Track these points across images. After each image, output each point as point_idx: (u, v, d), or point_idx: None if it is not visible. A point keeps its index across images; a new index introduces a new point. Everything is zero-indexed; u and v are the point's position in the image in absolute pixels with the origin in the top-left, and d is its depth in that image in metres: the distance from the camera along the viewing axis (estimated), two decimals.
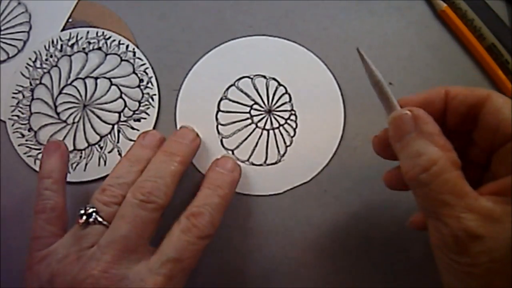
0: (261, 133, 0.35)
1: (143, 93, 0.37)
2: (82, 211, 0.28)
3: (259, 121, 0.35)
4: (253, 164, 0.35)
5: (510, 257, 0.20)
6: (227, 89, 0.36)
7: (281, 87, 0.36)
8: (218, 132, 0.35)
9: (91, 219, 0.28)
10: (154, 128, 0.36)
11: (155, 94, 0.37)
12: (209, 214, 0.28)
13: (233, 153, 0.35)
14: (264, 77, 0.36)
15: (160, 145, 0.32)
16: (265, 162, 0.35)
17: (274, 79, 0.36)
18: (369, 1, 0.38)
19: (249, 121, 0.35)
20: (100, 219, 0.28)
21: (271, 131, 0.35)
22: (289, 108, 0.36)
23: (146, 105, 0.37)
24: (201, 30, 0.38)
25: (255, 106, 0.36)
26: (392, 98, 0.25)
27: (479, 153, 0.26)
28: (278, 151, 0.35)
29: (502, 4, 0.37)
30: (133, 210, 0.27)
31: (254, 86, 0.36)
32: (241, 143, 0.35)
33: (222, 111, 0.36)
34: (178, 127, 0.36)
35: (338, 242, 0.33)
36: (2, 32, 0.40)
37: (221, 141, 0.35)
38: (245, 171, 0.34)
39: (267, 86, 0.36)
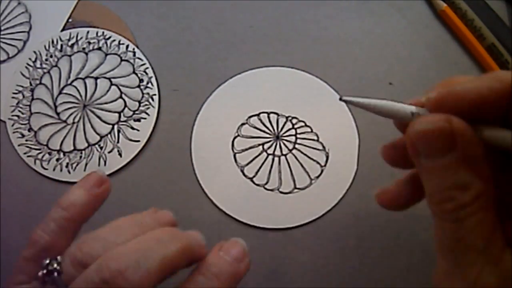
0: (290, 159, 0.35)
1: (143, 93, 0.37)
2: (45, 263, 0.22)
3: (281, 154, 0.35)
4: (300, 189, 0.34)
5: None
6: (232, 141, 0.36)
7: (273, 114, 0.36)
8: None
9: (48, 278, 0.22)
10: (154, 128, 0.36)
11: (155, 94, 0.37)
12: None
13: (278, 190, 0.34)
14: (257, 115, 0.36)
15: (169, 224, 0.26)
16: (310, 179, 0.34)
17: (262, 112, 0.36)
18: (369, 1, 0.38)
19: (270, 157, 0.35)
20: (59, 282, 0.22)
21: (294, 151, 0.35)
22: (290, 126, 0.35)
23: (146, 105, 0.37)
24: (201, 30, 0.38)
25: (264, 140, 0.35)
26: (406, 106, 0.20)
27: None
28: (316, 162, 0.34)
29: (502, 4, 0.37)
30: None
31: (253, 126, 0.36)
32: (280, 181, 0.34)
33: (240, 165, 0.35)
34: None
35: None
36: (2, 32, 0.40)
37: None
38: (298, 198, 0.34)
39: (261, 120, 0.36)
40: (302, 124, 0.35)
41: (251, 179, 0.34)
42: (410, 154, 0.19)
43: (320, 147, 0.35)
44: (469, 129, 0.18)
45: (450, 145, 0.18)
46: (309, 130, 0.35)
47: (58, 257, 0.22)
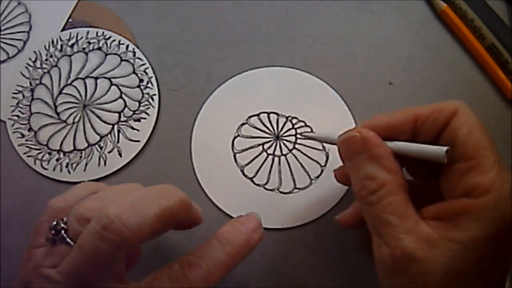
0: (290, 159, 0.35)
1: (143, 93, 0.37)
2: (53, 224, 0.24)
3: (281, 154, 0.35)
4: (300, 189, 0.34)
5: (443, 280, 0.21)
6: (232, 141, 0.35)
7: (273, 114, 0.36)
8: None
9: (57, 237, 0.23)
10: (154, 128, 0.36)
11: (155, 94, 0.37)
12: (206, 269, 0.23)
13: (279, 191, 0.34)
14: (257, 115, 0.36)
15: None
16: (310, 179, 0.34)
17: (262, 112, 0.36)
18: (369, 1, 0.38)
19: (270, 157, 0.35)
20: (68, 239, 0.23)
21: (294, 151, 0.35)
22: (290, 126, 0.35)
23: (146, 105, 0.37)
24: (201, 30, 0.38)
25: (264, 140, 0.35)
26: (331, 135, 0.28)
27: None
28: (316, 162, 0.34)
29: (502, 4, 0.37)
30: (91, 240, 0.21)
31: (253, 126, 0.36)
32: (280, 181, 0.34)
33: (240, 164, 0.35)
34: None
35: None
36: (2, 32, 0.40)
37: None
38: (298, 198, 0.34)
39: (261, 120, 0.36)
40: (302, 124, 0.35)
41: (251, 179, 0.34)
42: (341, 159, 0.26)
43: (320, 147, 0.35)
44: (374, 137, 0.24)
45: (360, 148, 0.24)
46: (309, 130, 0.35)
47: (64, 218, 0.23)
